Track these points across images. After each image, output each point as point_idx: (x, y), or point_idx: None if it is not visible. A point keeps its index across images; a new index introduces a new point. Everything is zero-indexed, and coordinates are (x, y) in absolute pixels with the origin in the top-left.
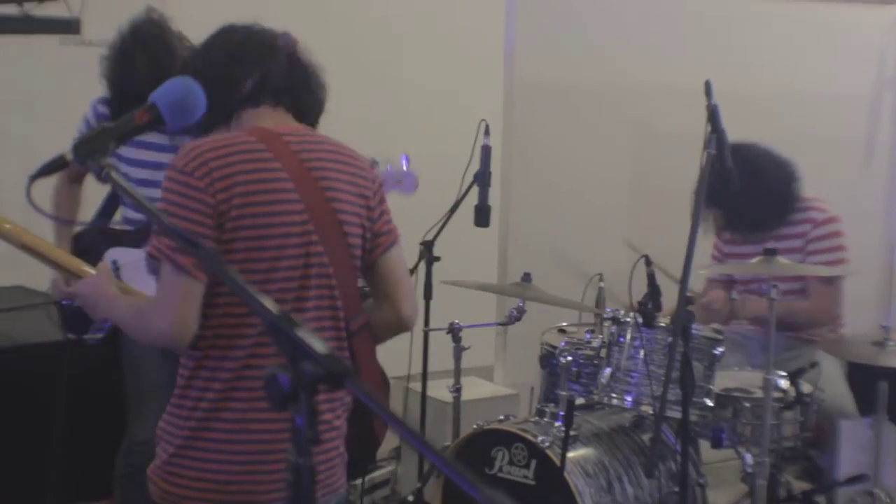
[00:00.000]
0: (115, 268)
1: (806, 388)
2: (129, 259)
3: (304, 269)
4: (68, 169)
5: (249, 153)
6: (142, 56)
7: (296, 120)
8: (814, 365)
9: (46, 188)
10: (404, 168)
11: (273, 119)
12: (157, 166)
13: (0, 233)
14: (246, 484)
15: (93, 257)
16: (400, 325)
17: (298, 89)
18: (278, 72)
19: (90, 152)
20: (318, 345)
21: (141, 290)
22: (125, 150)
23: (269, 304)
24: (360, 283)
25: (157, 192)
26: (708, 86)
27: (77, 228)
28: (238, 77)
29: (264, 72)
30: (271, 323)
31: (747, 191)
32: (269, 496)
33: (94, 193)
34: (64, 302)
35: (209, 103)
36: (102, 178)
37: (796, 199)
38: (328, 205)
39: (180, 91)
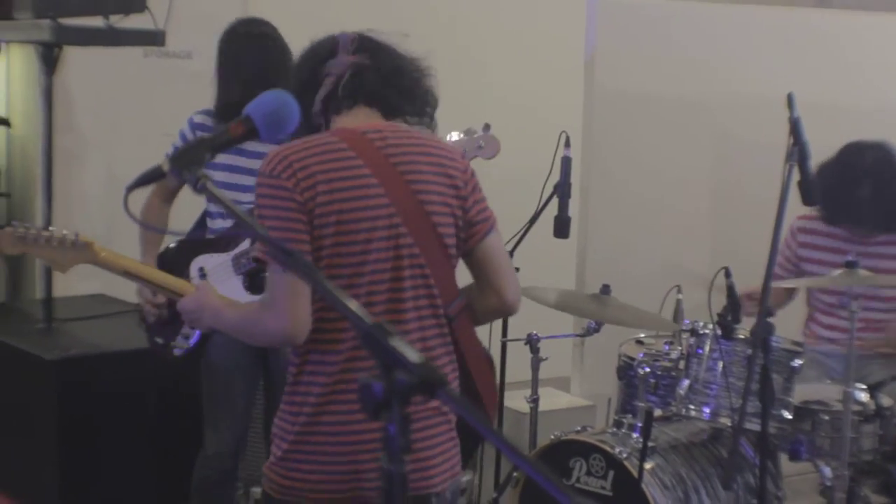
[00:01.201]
0: (202, 274)
1: (886, 401)
2: (215, 263)
3: (395, 260)
4: (160, 187)
5: (331, 152)
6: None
7: (386, 116)
8: (894, 378)
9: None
10: (485, 133)
11: (357, 119)
12: (251, 172)
13: (101, 264)
14: (356, 473)
15: (177, 269)
16: (504, 310)
17: (372, 83)
18: (347, 74)
19: (186, 163)
20: (412, 353)
21: (227, 291)
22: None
23: (361, 312)
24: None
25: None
26: (790, 98)
27: (164, 241)
28: (312, 89)
29: (332, 79)
30: (364, 331)
31: (879, 184)
32: (375, 493)
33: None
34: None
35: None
36: (198, 188)
37: None
38: (415, 196)
39: (275, 104)
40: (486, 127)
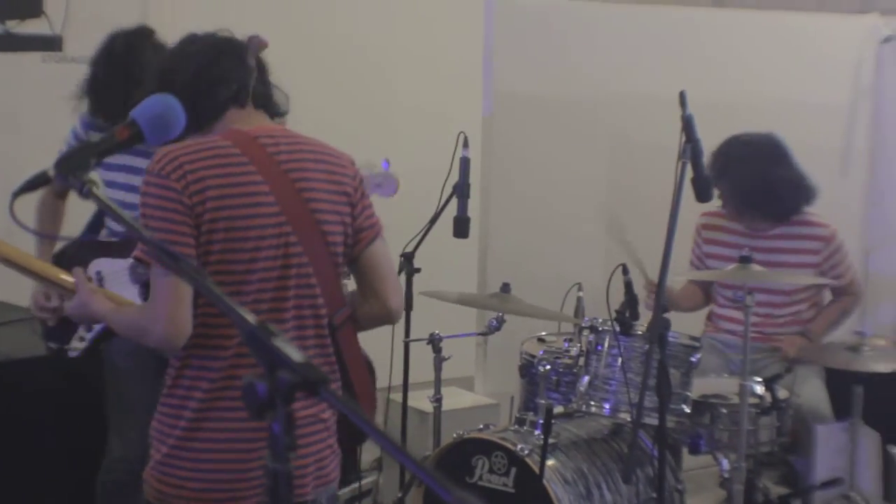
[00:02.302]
0: (99, 278)
1: (782, 393)
2: (113, 269)
3: (283, 269)
4: (53, 185)
5: (223, 157)
6: (117, 76)
7: (271, 118)
8: (789, 370)
9: (30, 202)
10: (384, 171)
11: (248, 121)
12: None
13: None
14: (236, 482)
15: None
16: (387, 317)
17: (264, 87)
18: (251, 76)
19: (72, 168)
20: (295, 353)
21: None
22: (120, 158)
23: (245, 313)
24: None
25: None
26: (682, 96)
27: (61, 243)
28: (213, 86)
29: (239, 78)
30: (248, 332)
31: (769, 175)
32: (259, 497)
33: (80, 207)
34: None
35: (191, 109)
36: (84, 193)
37: (813, 193)
38: (305, 204)
39: (160, 108)
40: (386, 163)
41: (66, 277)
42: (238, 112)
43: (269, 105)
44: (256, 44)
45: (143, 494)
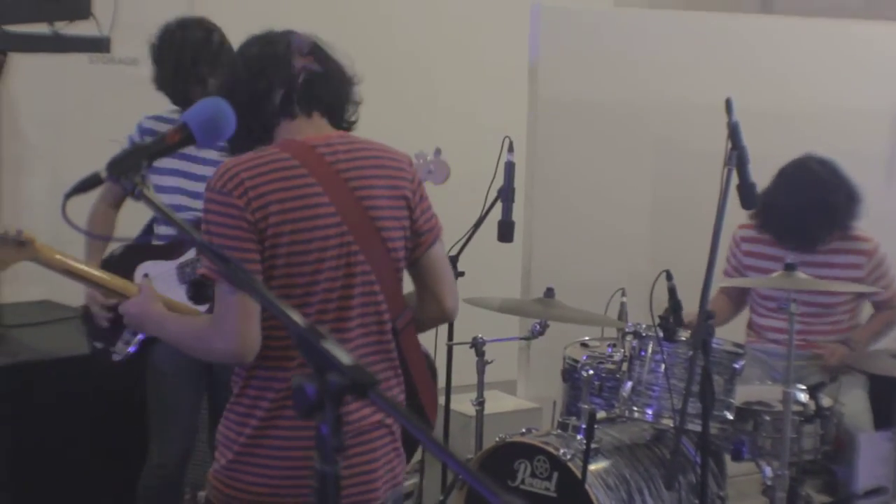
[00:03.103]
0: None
1: (826, 401)
2: (160, 271)
3: (346, 278)
4: (107, 192)
5: (283, 169)
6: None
7: (332, 124)
8: (834, 379)
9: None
10: (436, 157)
11: (307, 129)
12: (203, 179)
13: (43, 261)
14: (301, 487)
15: (123, 273)
16: (444, 317)
17: (326, 92)
18: (300, 79)
19: (124, 170)
20: (344, 356)
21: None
22: (183, 164)
23: (296, 316)
24: None
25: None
26: (728, 103)
27: (110, 247)
28: (263, 92)
29: (287, 82)
30: (298, 335)
31: (810, 202)
32: None
33: (128, 214)
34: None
35: (244, 122)
36: (136, 195)
37: (858, 210)
38: (365, 212)
39: (211, 111)
40: (437, 151)
41: (132, 287)
42: (291, 122)
43: (332, 109)
44: (301, 44)
45: (180, 499)
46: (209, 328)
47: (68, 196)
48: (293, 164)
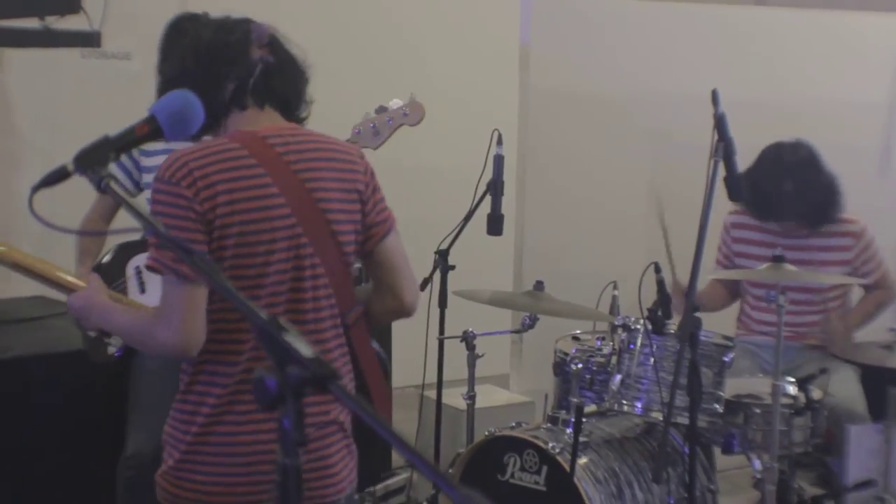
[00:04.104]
0: (138, 272)
1: (816, 393)
2: None
3: (296, 270)
4: (99, 203)
5: (232, 160)
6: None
7: (284, 116)
8: (823, 371)
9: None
10: (411, 101)
11: (259, 120)
12: None
13: None
14: (251, 485)
15: (115, 272)
16: (402, 311)
17: (281, 85)
18: (257, 70)
19: (91, 163)
20: (305, 348)
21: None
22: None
23: (258, 309)
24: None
25: None
26: (715, 94)
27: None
28: (213, 81)
29: (241, 73)
30: (259, 327)
31: (802, 182)
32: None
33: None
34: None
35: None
36: (102, 188)
37: (841, 199)
38: (316, 205)
39: (179, 103)
40: (412, 96)
41: (76, 282)
42: (241, 113)
43: (286, 103)
44: (260, 35)
45: (154, 494)
46: (154, 320)
47: (35, 189)
48: (243, 155)
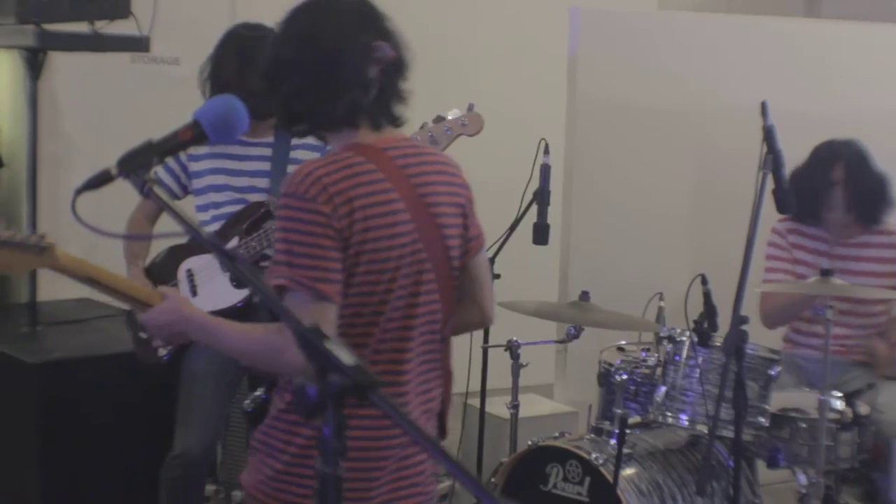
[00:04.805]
0: (190, 275)
1: (863, 409)
2: (202, 263)
3: (414, 286)
4: (146, 204)
5: (362, 174)
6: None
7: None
8: (871, 386)
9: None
10: (470, 112)
11: (369, 134)
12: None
13: (60, 269)
14: (360, 502)
15: (166, 276)
16: (483, 323)
17: (398, 103)
18: (367, 93)
19: (134, 167)
20: (346, 356)
21: (215, 289)
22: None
23: (297, 316)
24: None
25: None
26: (764, 106)
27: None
28: (324, 103)
29: (358, 94)
30: (300, 335)
31: (852, 171)
32: None
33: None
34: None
35: (309, 113)
36: (145, 192)
37: (891, 200)
38: (433, 219)
39: (223, 109)
40: (471, 106)
41: (151, 296)
42: (353, 130)
43: (395, 120)
44: (384, 55)
45: (202, 493)
46: (280, 338)
47: (78, 192)
48: (371, 169)
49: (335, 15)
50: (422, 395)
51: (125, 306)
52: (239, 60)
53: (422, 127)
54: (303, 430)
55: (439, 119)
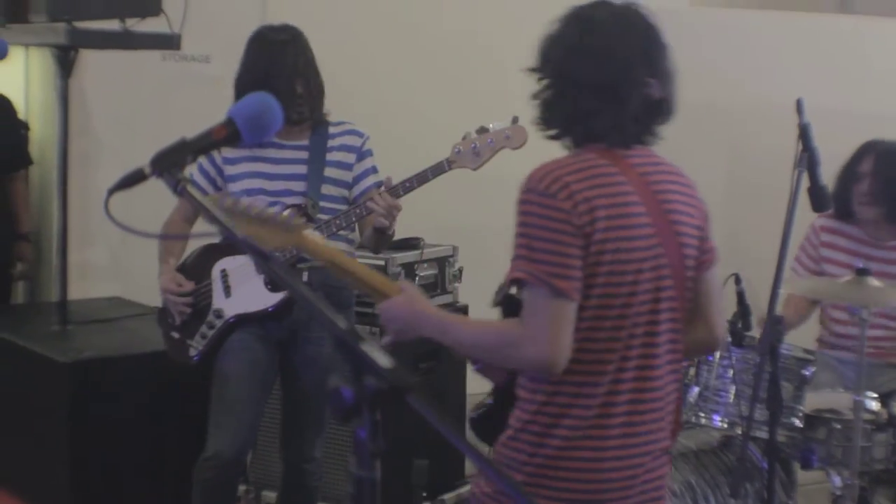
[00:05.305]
0: (224, 276)
1: None
2: (237, 264)
3: (654, 302)
4: (183, 205)
5: (605, 176)
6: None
7: None
8: None
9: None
10: (514, 125)
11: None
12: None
13: (307, 250)
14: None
15: (200, 274)
16: (711, 345)
17: (646, 135)
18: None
19: (167, 166)
20: (382, 359)
21: (249, 291)
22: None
23: (335, 317)
24: None
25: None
26: (800, 104)
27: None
28: (601, 113)
29: (626, 119)
30: (336, 336)
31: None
32: None
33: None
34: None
35: (573, 124)
36: (178, 191)
37: None
38: (672, 226)
39: (258, 107)
40: (515, 119)
41: (390, 287)
42: (602, 145)
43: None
44: (651, 95)
45: (234, 494)
46: (519, 332)
47: (112, 192)
48: (612, 171)
49: (626, 40)
50: (671, 402)
51: (157, 305)
52: (265, 65)
53: (464, 137)
54: (552, 441)
55: (483, 130)
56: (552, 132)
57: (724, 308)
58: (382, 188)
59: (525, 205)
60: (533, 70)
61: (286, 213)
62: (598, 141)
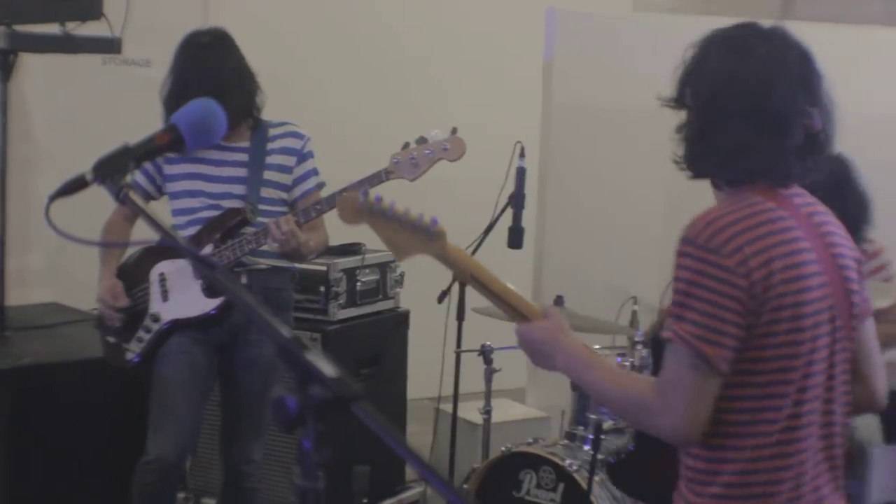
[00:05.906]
0: (162, 279)
1: None
2: (175, 268)
3: (830, 357)
4: (123, 208)
5: (775, 222)
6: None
7: None
8: None
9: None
10: (452, 136)
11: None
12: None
13: (448, 260)
14: None
15: (138, 277)
16: (872, 404)
17: (804, 172)
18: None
19: (109, 173)
20: (328, 368)
21: (186, 295)
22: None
23: (280, 326)
24: None
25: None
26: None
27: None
28: (747, 154)
29: (784, 156)
30: (280, 345)
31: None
32: None
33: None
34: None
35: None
36: (120, 198)
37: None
38: (841, 273)
39: (201, 113)
40: (453, 130)
41: (531, 309)
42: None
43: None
44: (811, 126)
45: (174, 499)
46: (659, 402)
47: (52, 198)
48: (783, 216)
49: (784, 65)
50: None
51: (96, 309)
52: (190, 69)
53: (404, 147)
54: (718, 479)
55: (422, 140)
56: (703, 169)
57: (882, 364)
58: (289, 215)
59: (683, 258)
60: (676, 102)
61: (428, 217)
62: (759, 178)
